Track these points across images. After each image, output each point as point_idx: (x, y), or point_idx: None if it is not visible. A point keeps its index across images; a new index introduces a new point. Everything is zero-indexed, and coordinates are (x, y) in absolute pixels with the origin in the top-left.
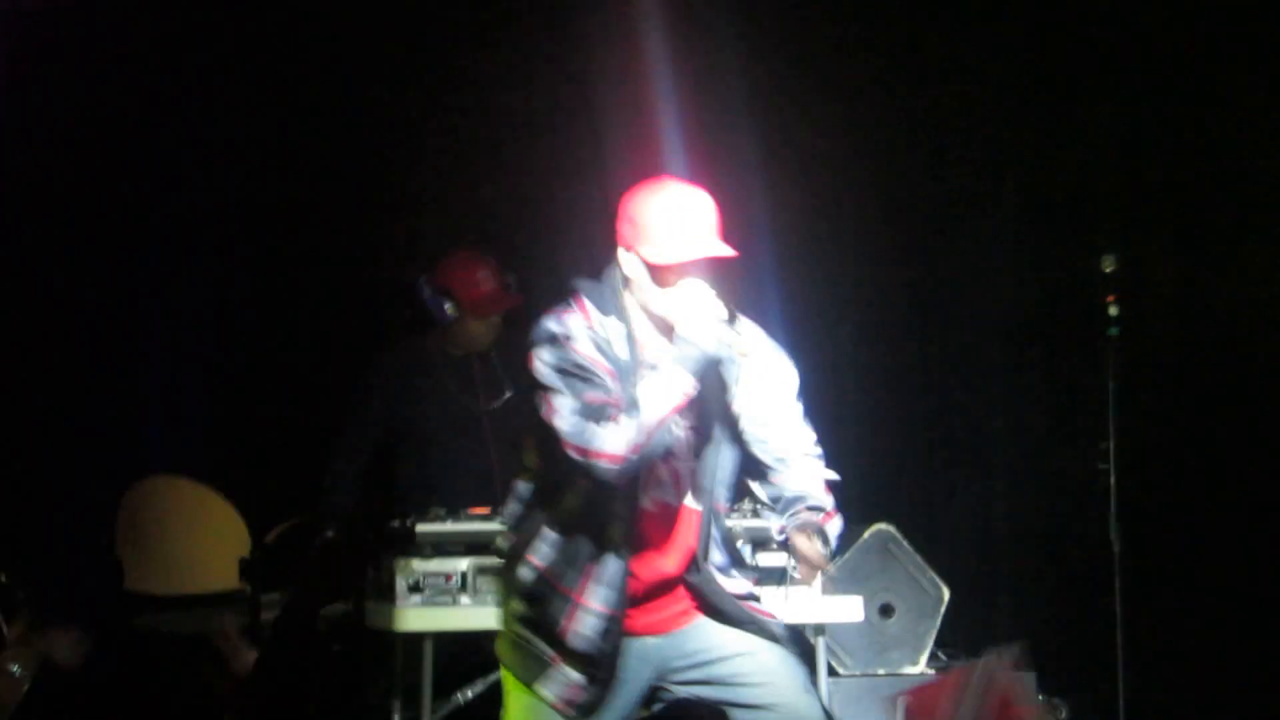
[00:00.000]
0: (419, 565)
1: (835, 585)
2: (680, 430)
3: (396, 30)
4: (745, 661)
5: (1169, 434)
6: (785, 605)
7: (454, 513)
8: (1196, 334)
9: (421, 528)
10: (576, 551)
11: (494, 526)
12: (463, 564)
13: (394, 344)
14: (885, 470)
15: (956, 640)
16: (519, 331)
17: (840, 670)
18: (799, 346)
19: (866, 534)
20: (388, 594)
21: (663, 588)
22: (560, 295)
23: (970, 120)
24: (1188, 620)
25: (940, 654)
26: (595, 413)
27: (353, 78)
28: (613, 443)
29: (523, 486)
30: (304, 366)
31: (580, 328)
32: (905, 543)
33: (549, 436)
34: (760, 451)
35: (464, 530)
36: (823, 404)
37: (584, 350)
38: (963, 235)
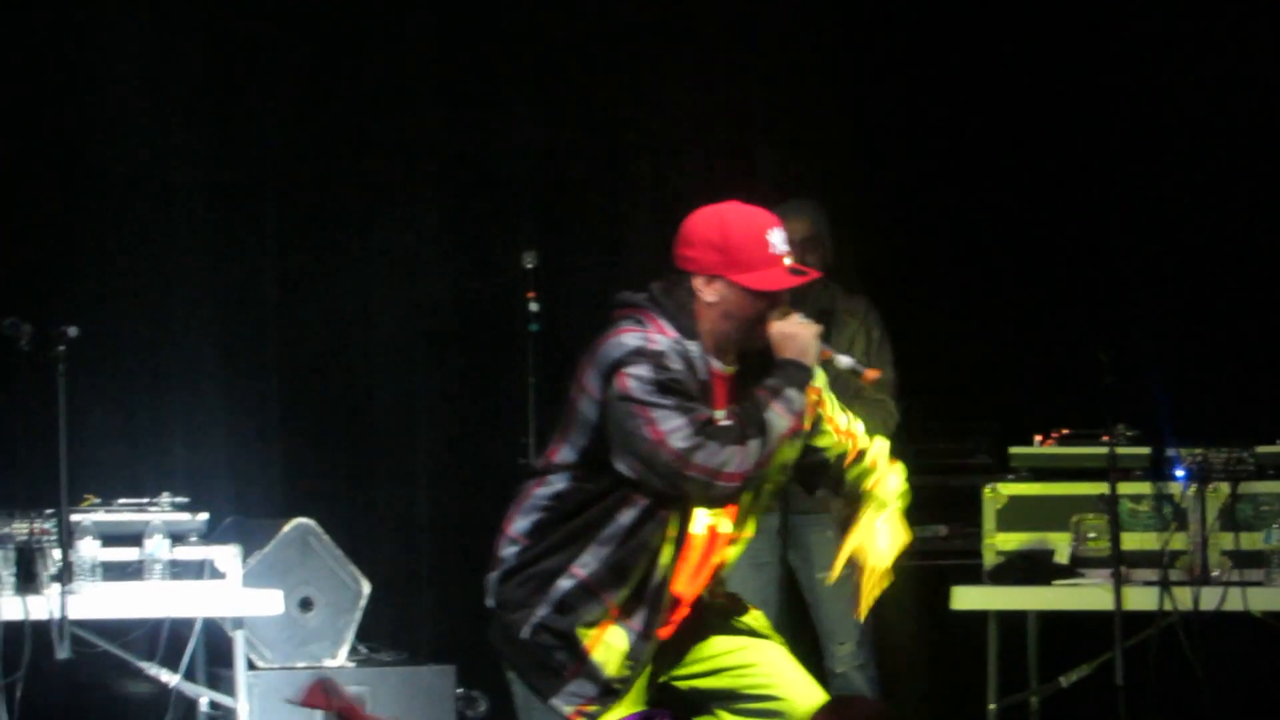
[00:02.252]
0: None
1: (254, 579)
2: None
3: None
4: (748, 653)
5: None
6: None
7: None
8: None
9: None
10: (624, 567)
11: None
12: None
13: None
14: (308, 464)
15: (378, 634)
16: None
17: (259, 663)
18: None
19: (286, 527)
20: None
21: (689, 604)
22: (612, 311)
23: (389, 115)
24: None
25: (361, 647)
26: (716, 432)
27: None
28: (739, 463)
29: (549, 495)
30: None
31: (670, 346)
32: (326, 536)
33: (609, 449)
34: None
35: None
36: (240, 397)
37: (678, 369)
38: (384, 231)
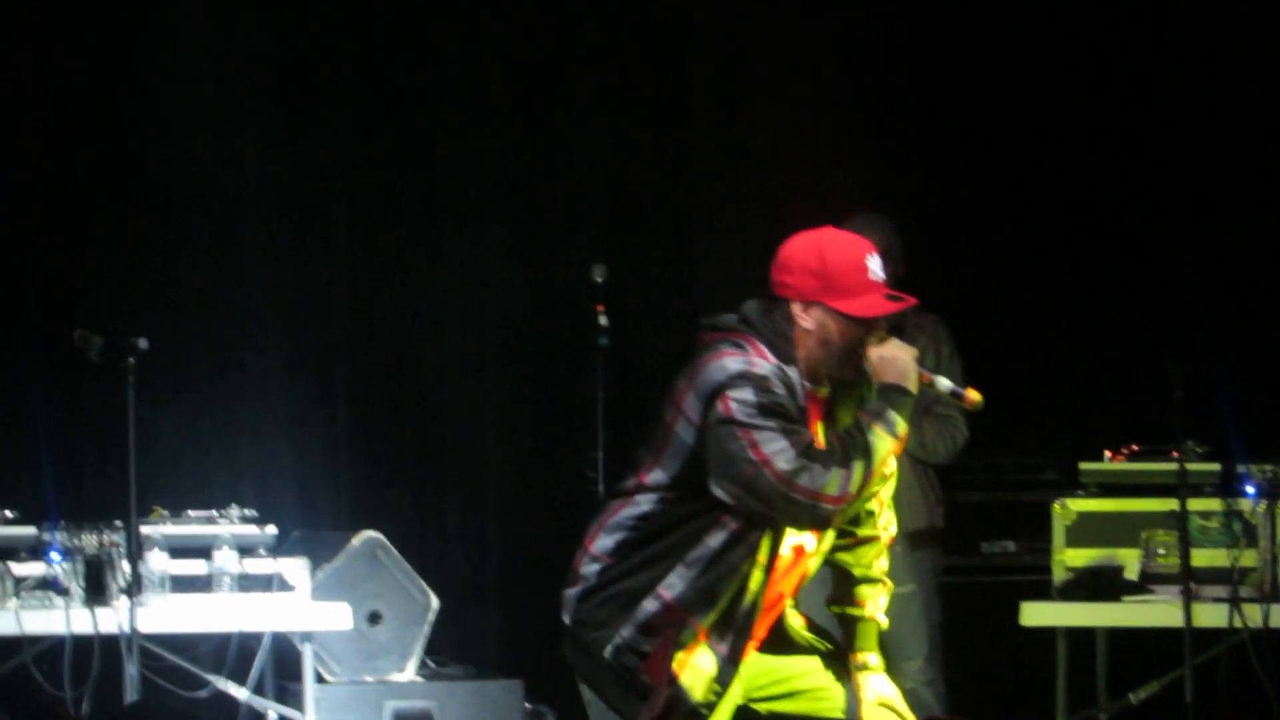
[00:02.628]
0: None
1: (323, 592)
2: None
3: None
4: (817, 676)
5: None
6: None
7: None
8: (685, 345)
9: None
10: (712, 591)
11: None
12: None
13: None
14: (376, 477)
15: (446, 648)
16: None
17: (328, 677)
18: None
19: (355, 541)
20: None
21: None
22: (703, 334)
23: (459, 130)
24: None
25: (429, 661)
26: (820, 455)
27: None
28: (843, 484)
29: (635, 515)
30: None
31: (771, 371)
32: (394, 550)
33: (706, 473)
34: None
35: None
36: (309, 409)
37: (780, 393)
38: (453, 244)
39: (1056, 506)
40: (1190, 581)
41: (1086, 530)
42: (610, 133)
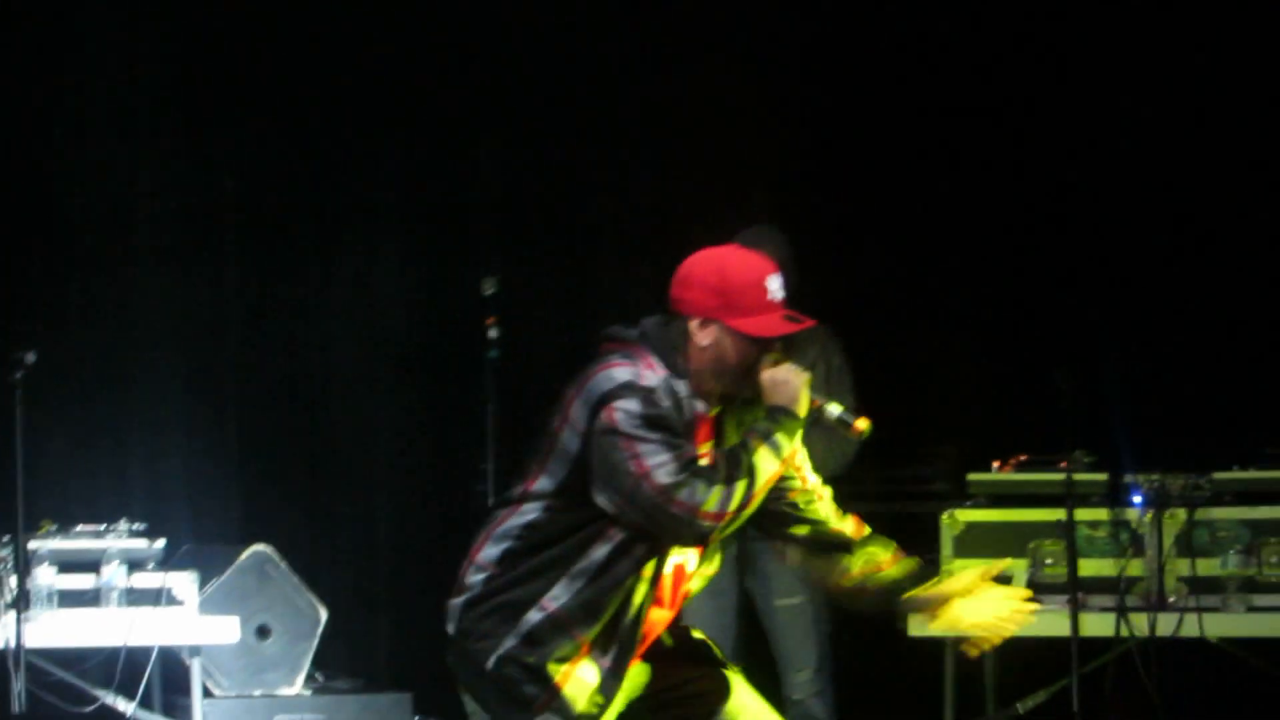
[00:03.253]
0: None
1: (211, 606)
2: None
3: None
4: (706, 683)
5: None
6: None
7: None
8: (576, 356)
9: None
10: (596, 603)
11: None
12: None
13: None
14: (266, 490)
15: (335, 660)
16: None
17: (216, 691)
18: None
19: (244, 554)
20: None
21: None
22: (600, 345)
23: (350, 141)
24: None
25: (317, 675)
26: (702, 471)
27: None
28: (722, 502)
29: (522, 525)
30: None
31: (659, 383)
32: (283, 564)
33: (590, 482)
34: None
35: None
36: (199, 422)
37: (667, 406)
38: (345, 257)
39: (945, 517)
40: (1077, 591)
41: (975, 540)
42: (502, 143)
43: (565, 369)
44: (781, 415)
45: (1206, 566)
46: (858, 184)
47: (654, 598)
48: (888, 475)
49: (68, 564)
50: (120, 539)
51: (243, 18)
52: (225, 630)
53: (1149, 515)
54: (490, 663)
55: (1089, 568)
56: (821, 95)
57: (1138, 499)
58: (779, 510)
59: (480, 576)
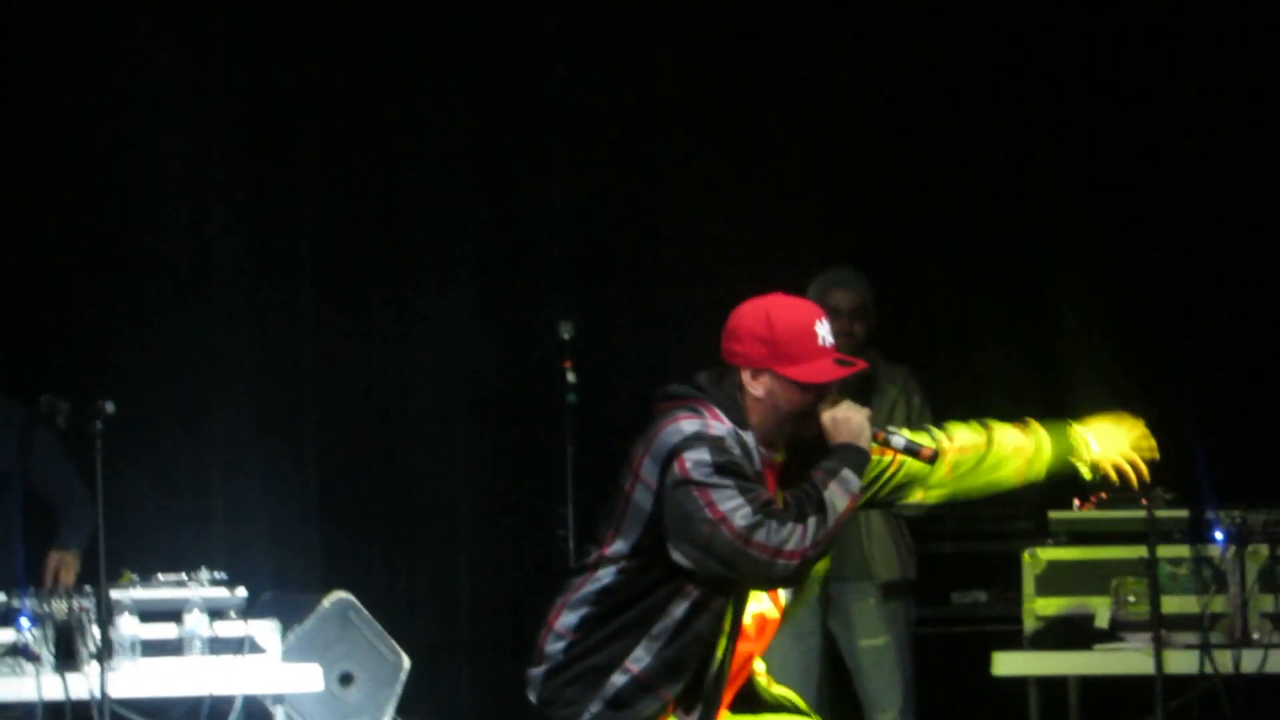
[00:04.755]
0: None
1: (294, 654)
2: None
3: None
4: None
5: None
6: None
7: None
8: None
9: None
10: (679, 661)
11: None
12: None
13: None
14: (346, 538)
15: (419, 707)
16: None
17: None
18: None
19: (326, 602)
20: None
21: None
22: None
23: (426, 187)
24: None
25: None
26: (777, 513)
27: None
28: (798, 541)
29: (598, 590)
30: None
31: (728, 433)
32: (365, 611)
33: (665, 538)
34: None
35: None
36: (278, 470)
37: (737, 453)
38: (421, 303)
39: (1026, 555)
40: (1160, 628)
41: (1056, 579)
42: (577, 189)
43: (643, 412)
44: (847, 452)
45: None
46: (936, 223)
47: (735, 650)
48: (969, 514)
49: (150, 613)
50: (201, 588)
51: (316, 68)
52: (308, 678)
53: (1231, 551)
54: None
55: (1172, 605)
56: (898, 135)
57: (1219, 535)
58: (887, 499)
59: (560, 645)
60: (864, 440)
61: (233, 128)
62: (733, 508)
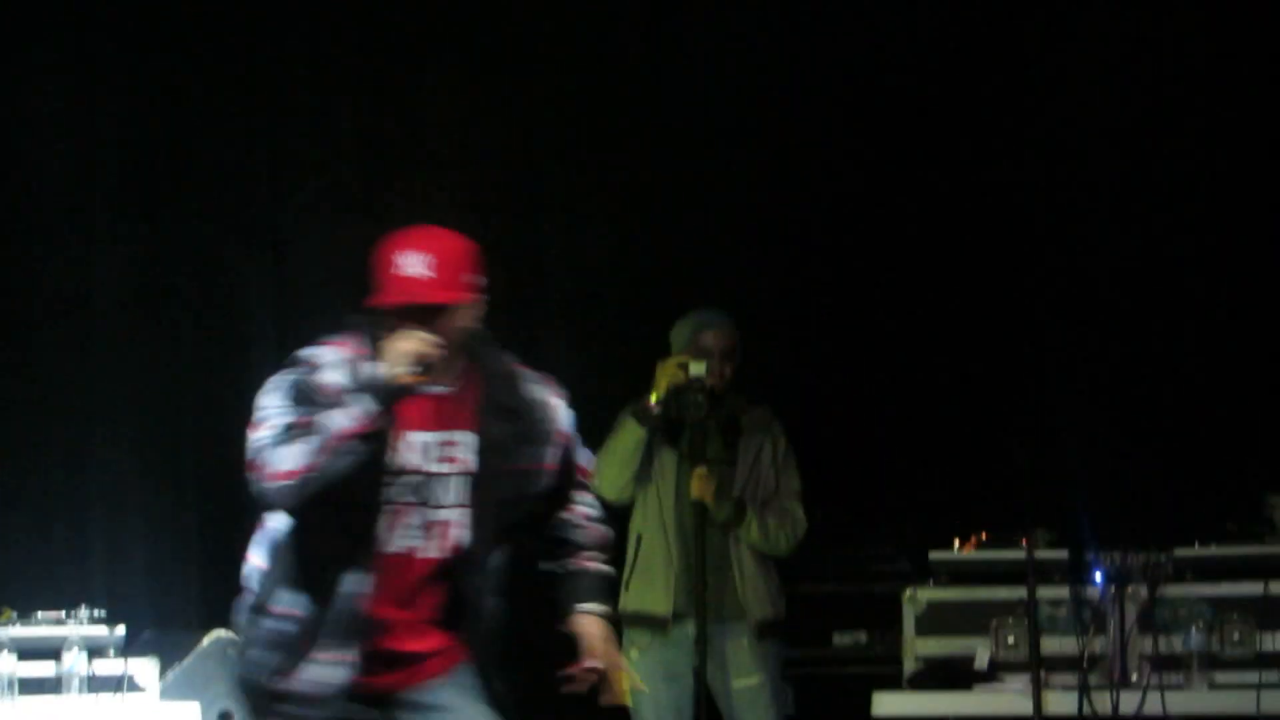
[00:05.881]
0: None
1: (173, 692)
2: (443, 475)
3: None
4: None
5: None
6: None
7: None
8: None
9: None
10: (310, 597)
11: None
12: None
13: None
14: (227, 575)
15: None
16: None
17: None
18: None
19: (205, 640)
20: None
21: (412, 641)
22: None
23: (305, 220)
24: None
25: None
26: (285, 435)
27: None
28: (280, 461)
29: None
30: None
31: (336, 355)
32: None
33: None
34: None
35: None
36: (159, 507)
37: (327, 378)
38: (302, 339)
39: (906, 596)
40: (1040, 669)
41: (937, 619)
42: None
43: None
44: (372, 379)
45: (1169, 643)
46: (806, 267)
47: (378, 585)
48: (848, 555)
49: (28, 651)
50: (81, 626)
51: (202, 98)
52: (186, 717)
53: (1111, 592)
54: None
55: (1051, 645)
56: (767, 183)
57: (1099, 576)
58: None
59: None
60: (386, 368)
61: (116, 157)
62: (258, 433)
